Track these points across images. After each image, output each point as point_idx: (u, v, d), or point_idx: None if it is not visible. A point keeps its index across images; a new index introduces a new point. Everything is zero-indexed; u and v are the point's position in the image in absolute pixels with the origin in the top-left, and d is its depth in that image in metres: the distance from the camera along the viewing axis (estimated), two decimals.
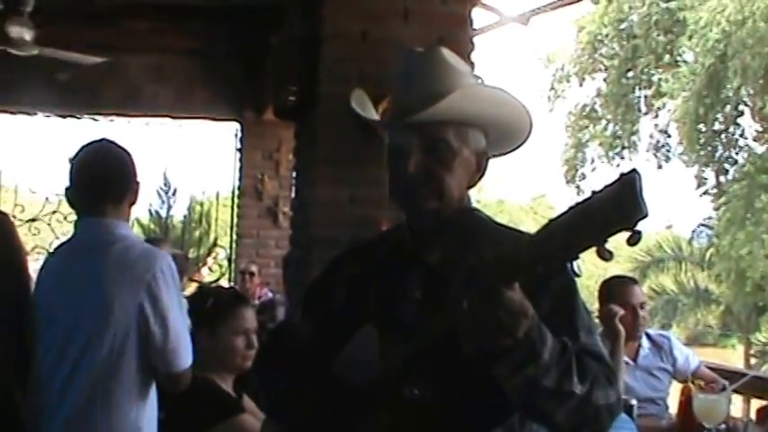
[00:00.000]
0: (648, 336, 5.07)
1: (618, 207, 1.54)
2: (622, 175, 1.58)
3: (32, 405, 3.29)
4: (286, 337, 2.51)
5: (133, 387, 3.22)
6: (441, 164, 2.12)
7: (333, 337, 2.15)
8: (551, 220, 1.67)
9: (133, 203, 3.52)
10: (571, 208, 1.63)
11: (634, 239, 1.55)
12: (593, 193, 1.60)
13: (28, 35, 7.50)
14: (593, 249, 1.59)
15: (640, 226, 1.51)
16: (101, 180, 3.42)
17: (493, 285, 1.72)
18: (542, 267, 1.69)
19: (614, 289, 5.00)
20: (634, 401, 4.03)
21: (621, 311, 4.72)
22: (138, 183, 3.52)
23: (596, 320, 4.34)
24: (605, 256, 1.59)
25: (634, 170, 1.57)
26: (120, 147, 3.51)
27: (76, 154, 3.51)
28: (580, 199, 1.62)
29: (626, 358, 4.78)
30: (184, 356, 3.27)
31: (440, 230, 2.18)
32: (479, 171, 2.22)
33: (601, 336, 4.80)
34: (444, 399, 2.02)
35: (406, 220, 2.26)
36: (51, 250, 4.64)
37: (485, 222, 2.26)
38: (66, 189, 3.51)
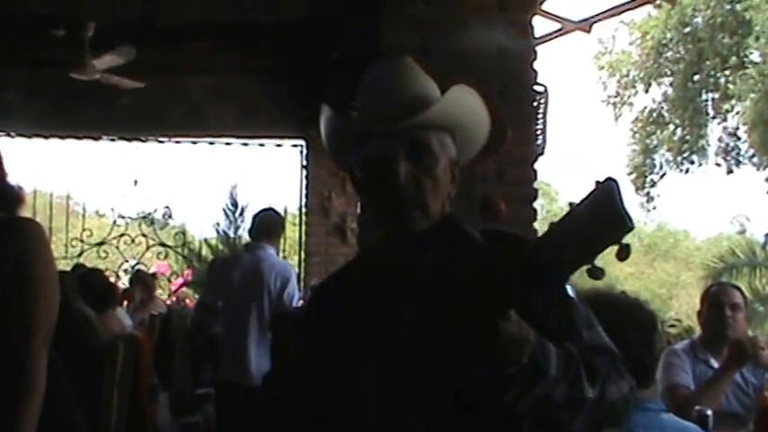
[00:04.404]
0: None
1: (600, 223, 1.46)
2: (598, 184, 1.50)
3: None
4: (278, 381, 2.45)
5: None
6: (426, 172, 2.04)
7: (326, 375, 2.10)
8: (534, 243, 1.61)
9: (279, 238, 7.22)
10: (551, 227, 1.56)
11: (623, 254, 1.46)
12: (572, 207, 1.52)
13: (90, 60, 7.60)
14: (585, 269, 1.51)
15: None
16: (267, 229, 6.81)
17: (488, 320, 1.67)
18: (535, 295, 1.64)
19: (710, 290, 4.95)
20: (709, 412, 3.85)
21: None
22: (284, 229, 7.54)
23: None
24: (596, 275, 1.50)
25: (609, 179, 1.49)
26: (276, 211, 7.17)
27: (258, 213, 6.98)
28: (561, 215, 1.54)
29: (716, 365, 4.65)
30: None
31: (424, 244, 2.08)
32: (454, 180, 2.13)
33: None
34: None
35: (387, 236, 2.18)
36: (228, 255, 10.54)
37: (468, 231, 2.15)
38: (250, 229, 7.01)
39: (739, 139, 27.63)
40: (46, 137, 10.46)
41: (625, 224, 1.44)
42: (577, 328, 1.95)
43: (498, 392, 1.77)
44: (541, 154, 7.22)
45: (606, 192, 1.46)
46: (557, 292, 1.82)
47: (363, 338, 2.07)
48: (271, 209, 7.13)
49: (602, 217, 1.46)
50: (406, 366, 1.97)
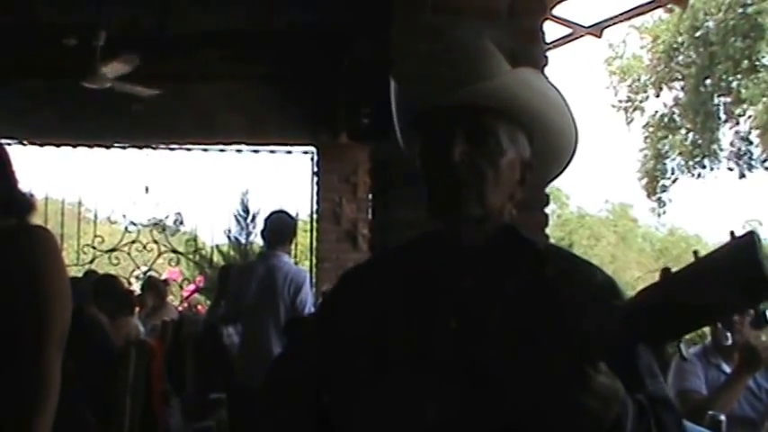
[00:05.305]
0: None
1: (736, 286, 1.29)
2: (735, 237, 1.33)
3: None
4: (292, 370, 2.17)
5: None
6: (487, 158, 1.82)
7: (349, 374, 1.92)
8: (646, 293, 1.44)
9: (292, 242, 7.18)
10: (670, 278, 1.40)
11: (759, 323, 1.35)
12: (699, 258, 1.37)
13: (101, 68, 7.63)
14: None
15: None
16: (280, 233, 6.88)
17: (582, 370, 1.51)
18: (639, 346, 1.53)
19: None
20: (722, 417, 3.83)
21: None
22: (296, 232, 7.39)
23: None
24: (721, 339, 1.37)
25: (751, 233, 1.31)
26: (289, 215, 7.16)
27: (270, 215, 7.05)
28: (685, 264, 1.36)
29: (729, 370, 4.62)
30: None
31: (479, 248, 1.89)
32: (522, 183, 1.92)
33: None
34: None
35: (440, 231, 1.95)
36: (247, 261, 10.89)
37: (529, 243, 1.95)
38: (262, 231, 7.10)
39: (751, 143, 27.53)
40: (57, 144, 10.49)
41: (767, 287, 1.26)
42: (640, 376, 1.76)
43: None
44: None
45: (746, 248, 1.29)
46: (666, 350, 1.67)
47: (397, 339, 1.87)
48: (283, 211, 7.23)
49: (740, 278, 1.28)
50: (439, 377, 1.79)
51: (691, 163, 27.96)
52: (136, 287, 10.98)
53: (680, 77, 27.86)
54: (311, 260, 10.84)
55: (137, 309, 9.34)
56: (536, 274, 1.86)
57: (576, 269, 1.92)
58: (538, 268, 1.88)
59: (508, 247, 1.92)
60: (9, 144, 9.01)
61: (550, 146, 1.97)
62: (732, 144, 27.88)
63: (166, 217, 12.09)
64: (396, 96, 2.00)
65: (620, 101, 29.07)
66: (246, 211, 14.32)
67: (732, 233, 1.33)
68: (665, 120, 28.64)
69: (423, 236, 2.03)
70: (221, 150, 10.73)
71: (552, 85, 1.97)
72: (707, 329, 4.92)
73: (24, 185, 3.08)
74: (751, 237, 1.31)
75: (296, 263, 9.03)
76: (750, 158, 27.71)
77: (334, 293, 2.19)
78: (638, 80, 28.83)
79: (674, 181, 28.57)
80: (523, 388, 1.63)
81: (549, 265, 1.89)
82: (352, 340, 1.94)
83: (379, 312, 1.93)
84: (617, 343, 1.49)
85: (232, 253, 13.96)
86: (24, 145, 10.16)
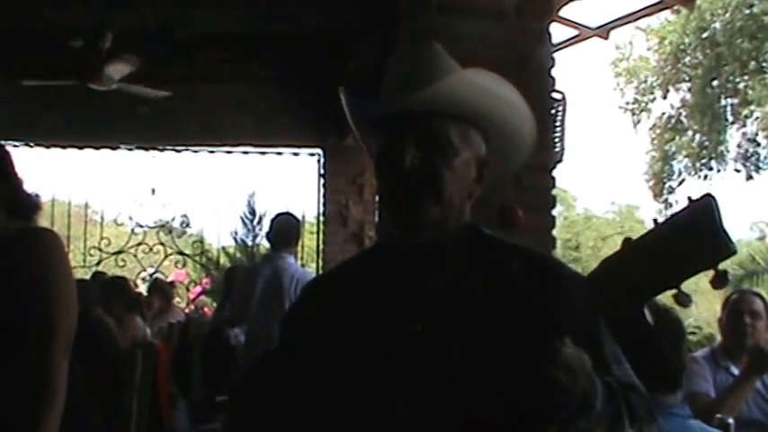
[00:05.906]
0: None
1: (696, 246, 1.30)
2: (692, 201, 1.33)
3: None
4: (266, 374, 2.14)
5: None
6: (440, 161, 1.83)
7: (316, 380, 1.90)
8: (611, 261, 1.47)
9: (297, 244, 7.21)
10: (629, 246, 1.42)
11: (719, 282, 1.32)
12: (658, 224, 1.38)
13: (107, 70, 7.63)
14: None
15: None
16: (285, 235, 6.89)
17: (548, 344, 1.52)
18: (606, 319, 1.54)
19: (730, 297, 4.89)
20: (730, 420, 3.80)
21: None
22: (301, 234, 7.46)
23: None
24: (683, 301, 1.36)
25: (707, 195, 1.32)
26: (294, 217, 7.15)
27: (275, 217, 7.06)
28: (643, 232, 1.38)
29: (737, 372, 4.60)
30: None
31: (441, 248, 1.89)
32: (479, 180, 1.93)
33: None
34: None
35: (400, 234, 1.96)
36: (252, 264, 10.99)
37: (492, 240, 1.98)
38: (267, 234, 7.13)
39: (759, 144, 27.47)
40: (64, 146, 10.50)
41: (726, 247, 1.28)
42: (606, 363, 1.78)
43: (538, 424, 1.62)
44: (560, 161, 7.21)
45: (704, 210, 1.30)
46: (632, 318, 1.70)
47: (363, 342, 1.88)
48: (288, 213, 7.25)
49: (698, 238, 1.30)
50: (408, 378, 1.80)
51: (697, 164, 27.89)
52: (142, 289, 10.99)
53: (687, 79, 27.81)
54: (318, 262, 10.85)
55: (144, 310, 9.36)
56: (500, 271, 1.88)
57: (541, 264, 1.94)
58: (502, 264, 1.89)
59: (471, 246, 1.93)
60: (16, 146, 9.04)
61: (508, 141, 1.98)
62: (739, 146, 27.82)
63: (173, 219, 12.08)
64: (346, 106, 2.04)
65: (627, 102, 29.02)
66: (253, 212, 14.32)
67: (690, 198, 1.33)
68: (672, 121, 28.58)
69: (387, 240, 2.04)
70: (228, 152, 10.73)
71: (503, 81, 1.97)
72: (715, 331, 4.92)
73: (30, 187, 3.07)
74: (708, 200, 1.32)
75: (302, 265, 9.05)
76: (757, 160, 27.65)
77: (300, 302, 2.20)
78: (645, 82, 28.78)
79: (680, 182, 28.50)
80: (493, 380, 1.64)
81: (514, 261, 1.90)
82: (320, 347, 1.95)
83: (346, 317, 1.94)
84: (581, 318, 1.55)
85: (238, 255, 13.97)
86: (31, 147, 10.17)
